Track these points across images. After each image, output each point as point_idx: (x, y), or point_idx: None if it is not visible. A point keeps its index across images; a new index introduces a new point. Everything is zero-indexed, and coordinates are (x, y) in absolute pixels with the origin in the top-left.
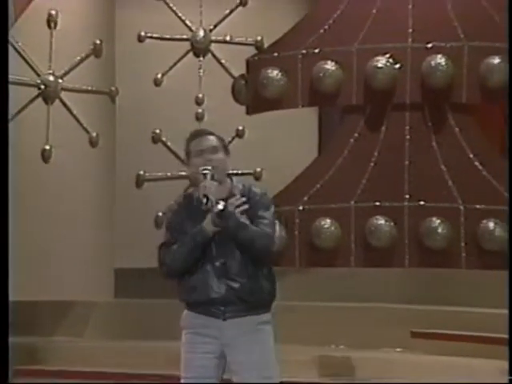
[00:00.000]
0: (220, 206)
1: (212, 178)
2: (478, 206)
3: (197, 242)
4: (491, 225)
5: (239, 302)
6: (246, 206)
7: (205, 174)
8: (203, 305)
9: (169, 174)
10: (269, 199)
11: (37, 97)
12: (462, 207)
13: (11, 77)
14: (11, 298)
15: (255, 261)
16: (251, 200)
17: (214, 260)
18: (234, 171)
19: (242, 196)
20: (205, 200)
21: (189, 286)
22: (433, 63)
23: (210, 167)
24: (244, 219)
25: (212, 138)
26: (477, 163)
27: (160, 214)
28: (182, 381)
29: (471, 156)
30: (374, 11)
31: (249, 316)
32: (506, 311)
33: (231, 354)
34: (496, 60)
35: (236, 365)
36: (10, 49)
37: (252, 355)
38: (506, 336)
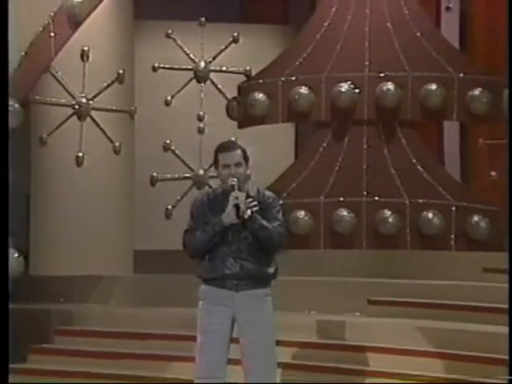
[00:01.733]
0: (248, 213)
1: (238, 188)
2: (419, 201)
3: (216, 231)
4: (430, 215)
5: (249, 278)
6: (256, 208)
7: (233, 186)
8: (220, 279)
9: (176, 175)
10: (279, 202)
11: (72, 115)
12: (407, 201)
13: (52, 99)
14: (54, 273)
15: (267, 251)
16: (265, 202)
17: (230, 244)
18: None
19: (256, 198)
20: (235, 209)
21: (209, 265)
22: (384, 88)
23: (235, 179)
24: (265, 223)
25: (237, 153)
26: (419, 167)
27: (169, 207)
28: (199, 341)
29: (414, 161)
30: (338, 47)
31: (255, 289)
32: (438, 282)
33: (241, 319)
34: (433, 86)
35: (244, 328)
36: (51, 77)
37: (257, 320)
38: (444, 301)
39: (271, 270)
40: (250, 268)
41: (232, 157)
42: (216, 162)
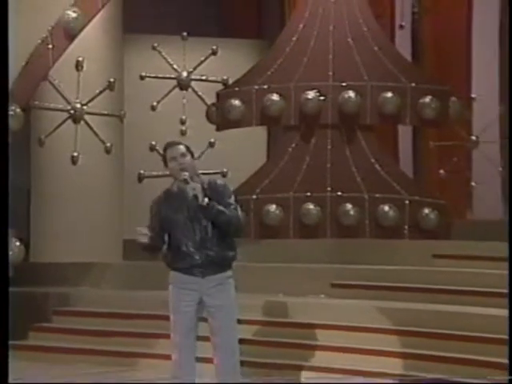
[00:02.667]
0: (206, 201)
1: (191, 179)
2: (377, 195)
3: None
4: (386, 208)
5: (212, 264)
6: (206, 199)
7: (185, 179)
8: (187, 268)
9: (160, 173)
10: (230, 189)
11: (68, 119)
12: (366, 196)
13: (50, 105)
14: (52, 260)
15: (227, 235)
16: (217, 191)
17: (194, 235)
18: (209, 171)
19: (208, 188)
20: (194, 198)
21: (176, 255)
22: (346, 96)
23: (186, 173)
24: (221, 208)
25: (180, 146)
26: (377, 166)
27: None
28: (172, 320)
29: (373, 161)
30: (306, 59)
31: (219, 273)
32: (393, 267)
33: (208, 301)
34: (389, 94)
35: (211, 309)
36: (49, 84)
37: (222, 301)
38: (399, 284)
39: (232, 253)
40: (214, 255)
41: (177, 150)
42: (165, 160)
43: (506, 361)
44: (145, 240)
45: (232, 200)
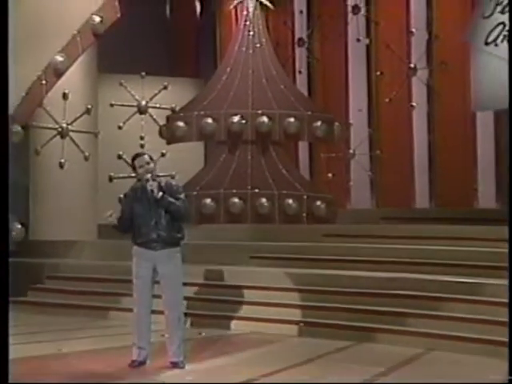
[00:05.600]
0: (160, 194)
1: (152, 179)
2: (284, 192)
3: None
4: (290, 201)
5: (163, 241)
6: (161, 193)
7: (148, 179)
8: (145, 243)
9: (126, 175)
10: (181, 187)
11: (57, 135)
12: (276, 193)
13: (44, 124)
14: (45, 238)
15: (176, 220)
16: (171, 188)
17: (151, 219)
18: (161, 174)
19: (164, 187)
20: (151, 192)
21: (138, 234)
22: (261, 120)
23: (149, 175)
24: (172, 200)
25: (145, 156)
26: (283, 171)
27: (121, 196)
28: (134, 282)
29: (281, 167)
30: (232, 94)
31: (168, 249)
32: (296, 243)
33: (159, 269)
34: (292, 119)
35: (162, 274)
36: (43, 110)
37: (170, 269)
38: (300, 256)
39: (180, 235)
40: (164, 235)
41: (143, 159)
42: (134, 166)
43: (365, 307)
44: (112, 219)
45: (182, 196)
